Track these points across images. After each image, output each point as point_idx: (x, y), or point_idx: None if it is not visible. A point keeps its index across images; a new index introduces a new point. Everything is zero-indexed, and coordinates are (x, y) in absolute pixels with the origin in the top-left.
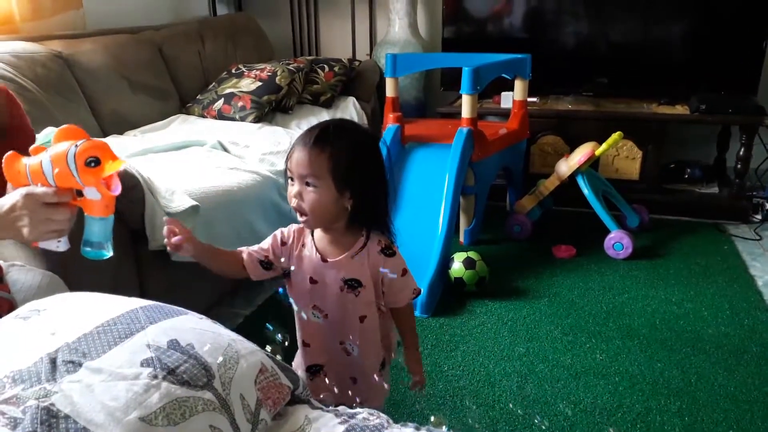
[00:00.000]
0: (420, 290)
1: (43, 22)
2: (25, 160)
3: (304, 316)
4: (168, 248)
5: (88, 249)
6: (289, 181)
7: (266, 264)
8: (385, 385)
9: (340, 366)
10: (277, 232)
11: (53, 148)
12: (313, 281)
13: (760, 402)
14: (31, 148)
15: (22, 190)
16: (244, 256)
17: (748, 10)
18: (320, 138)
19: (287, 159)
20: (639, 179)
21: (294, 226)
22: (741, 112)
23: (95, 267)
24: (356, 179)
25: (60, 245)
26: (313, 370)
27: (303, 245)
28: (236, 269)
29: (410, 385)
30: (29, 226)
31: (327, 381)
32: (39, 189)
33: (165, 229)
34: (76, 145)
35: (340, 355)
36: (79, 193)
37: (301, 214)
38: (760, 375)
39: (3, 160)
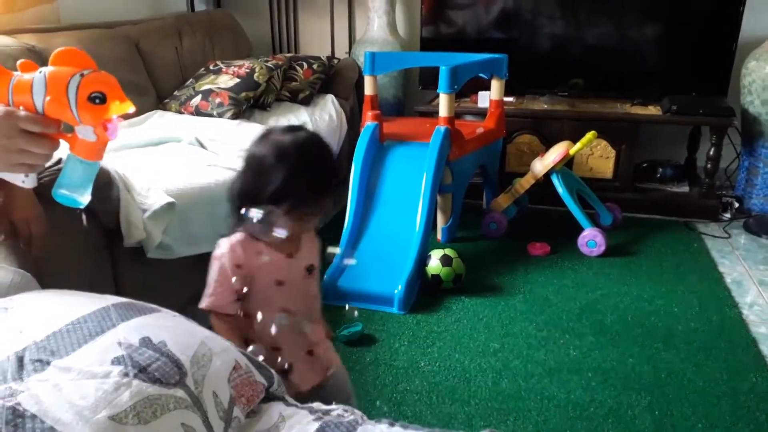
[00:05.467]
0: None
1: (16, 15)
2: (14, 75)
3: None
4: None
5: (64, 192)
6: (302, 219)
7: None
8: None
9: (300, 350)
10: (225, 265)
11: (51, 70)
12: (279, 283)
13: (727, 396)
14: (20, 61)
15: (0, 109)
16: (234, 311)
17: (719, 15)
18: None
19: (314, 205)
20: (612, 178)
21: (234, 245)
22: (711, 113)
23: (69, 265)
24: None
25: (26, 181)
26: (283, 373)
27: (259, 253)
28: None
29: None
30: (0, 153)
31: (295, 378)
32: (22, 113)
33: None
34: (82, 74)
35: (302, 341)
36: (67, 127)
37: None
38: (728, 370)
39: None
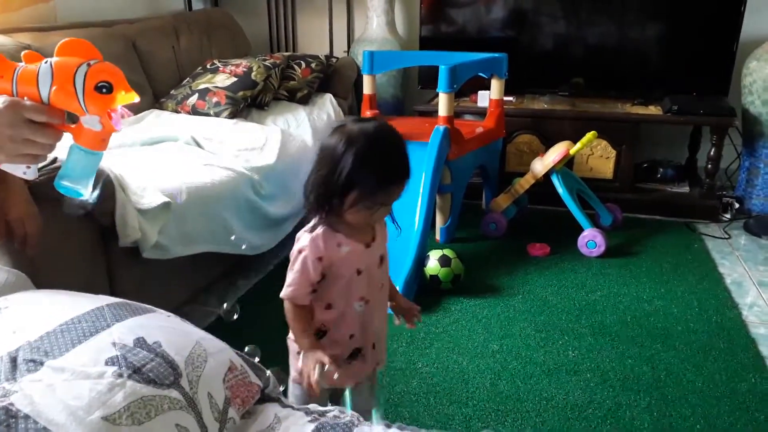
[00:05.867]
0: None
1: (12, 15)
2: (18, 65)
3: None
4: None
5: (67, 183)
6: (371, 208)
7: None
8: None
9: (370, 340)
10: (306, 258)
11: (57, 60)
12: (359, 272)
13: (726, 397)
14: (25, 52)
15: (5, 99)
16: (308, 302)
17: (720, 15)
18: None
19: (382, 194)
20: (613, 178)
21: (315, 238)
22: (712, 113)
23: (64, 265)
24: None
25: (28, 172)
26: (353, 354)
27: (339, 245)
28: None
29: (410, 322)
30: (4, 143)
31: (364, 360)
32: (28, 102)
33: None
34: (89, 64)
35: (373, 331)
36: (70, 117)
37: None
38: (727, 371)
39: None
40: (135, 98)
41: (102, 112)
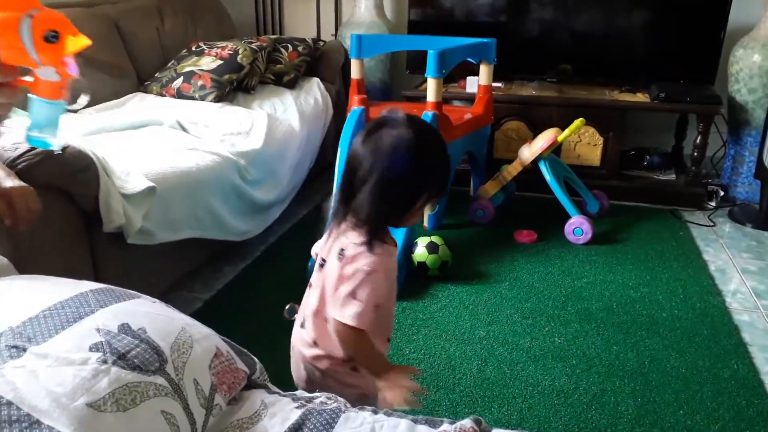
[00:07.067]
0: None
1: None
2: None
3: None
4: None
5: (35, 135)
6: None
7: None
8: None
9: None
10: (381, 277)
11: None
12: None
13: (709, 383)
14: None
15: None
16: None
17: (708, 3)
18: None
19: (446, 186)
20: (600, 165)
21: (384, 253)
22: (698, 101)
23: (47, 251)
24: None
25: None
26: None
27: (390, 255)
28: None
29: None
30: None
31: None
32: None
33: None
34: (31, 15)
35: None
36: (23, 70)
37: None
38: (710, 356)
39: None
40: (86, 42)
41: (56, 61)
